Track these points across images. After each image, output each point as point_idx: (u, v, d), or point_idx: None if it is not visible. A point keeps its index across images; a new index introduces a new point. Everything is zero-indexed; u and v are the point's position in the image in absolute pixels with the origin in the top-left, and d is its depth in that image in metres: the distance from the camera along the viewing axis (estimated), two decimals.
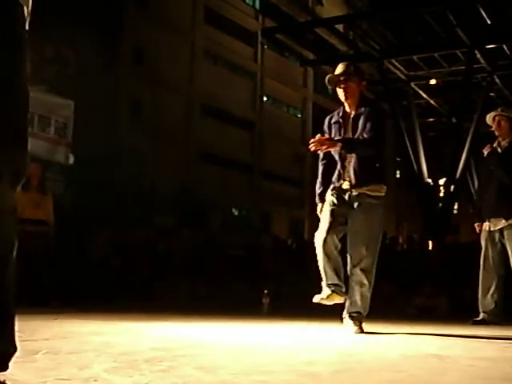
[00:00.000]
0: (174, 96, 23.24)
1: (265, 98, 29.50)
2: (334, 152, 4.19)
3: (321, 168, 4.37)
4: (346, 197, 4.15)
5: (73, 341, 3.17)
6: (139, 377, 1.94)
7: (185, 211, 19.36)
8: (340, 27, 18.87)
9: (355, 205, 4.10)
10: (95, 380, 1.85)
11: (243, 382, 1.94)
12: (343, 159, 4.16)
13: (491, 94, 18.62)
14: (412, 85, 19.56)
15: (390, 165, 24.35)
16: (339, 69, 4.24)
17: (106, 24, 20.07)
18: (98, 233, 10.15)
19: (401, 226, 26.95)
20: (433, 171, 19.86)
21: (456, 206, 22.21)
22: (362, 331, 4.01)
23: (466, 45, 16.12)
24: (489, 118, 5.63)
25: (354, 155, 4.11)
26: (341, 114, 4.27)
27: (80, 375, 1.93)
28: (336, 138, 4.11)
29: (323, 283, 4.15)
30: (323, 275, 4.14)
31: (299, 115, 31.87)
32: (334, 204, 4.16)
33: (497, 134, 5.59)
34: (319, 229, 4.19)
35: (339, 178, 4.19)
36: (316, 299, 4.12)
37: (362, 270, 4.05)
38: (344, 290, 4.13)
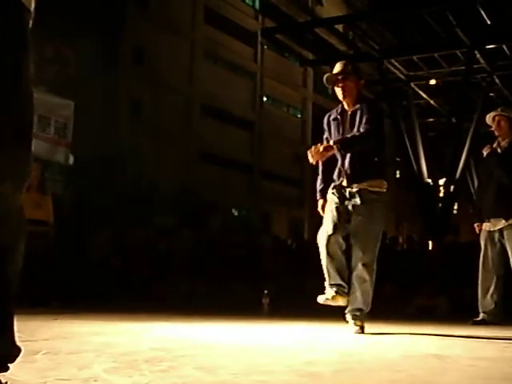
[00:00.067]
0: (174, 96, 23.24)
1: (265, 98, 29.51)
2: None
3: (321, 165, 4.38)
4: (347, 193, 4.15)
5: (73, 341, 3.17)
6: (139, 377, 1.94)
7: (185, 211, 19.36)
8: (340, 27, 18.87)
9: (356, 201, 4.10)
10: (95, 380, 1.85)
11: (243, 382, 1.94)
12: (343, 156, 4.17)
13: (491, 94, 18.63)
14: (412, 85, 19.56)
15: (390, 164, 24.38)
16: (337, 68, 4.25)
17: (106, 24, 20.07)
18: (98, 233, 10.16)
19: (401, 226, 26.94)
20: (433, 171, 19.86)
21: (456, 206, 22.22)
22: (362, 331, 4.00)
23: (465, 45, 16.12)
24: (488, 118, 5.63)
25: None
26: (339, 111, 4.29)
27: (80, 375, 1.94)
28: (331, 142, 4.10)
29: (326, 283, 4.15)
30: (326, 275, 4.14)
31: (299, 115, 31.88)
32: (336, 202, 4.17)
33: (496, 134, 5.58)
34: (322, 227, 4.19)
35: (339, 175, 4.19)
36: (320, 299, 4.11)
37: (362, 265, 4.04)
38: (347, 290, 4.12)
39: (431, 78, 19.25)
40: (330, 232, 4.11)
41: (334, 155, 4.22)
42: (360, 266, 4.05)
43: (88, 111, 14.75)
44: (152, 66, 22.54)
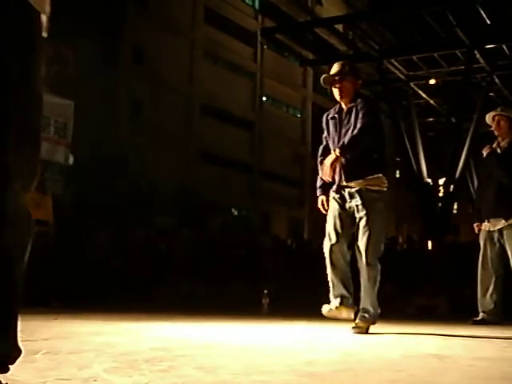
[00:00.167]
0: (174, 96, 23.25)
1: (264, 98, 29.51)
2: (331, 148, 4.22)
3: (320, 163, 4.37)
4: (347, 194, 4.15)
5: (73, 341, 3.17)
6: (139, 377, 1.94)
7: (185, 211, 19.38)
8: (339, 27, 18.86)
9: (356, 201, 4.10)
10: (95, 380, 1.85)
11: (243, 382, 1.94)
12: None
13: (491, 94, 18.62)
14: (411, 85, 19.56)
15: (390, 164, 24.36)
16: (334, 68, 4.25)
17: (106, 24, 20.09)
18: (98, 233, 10.15)
19: (400, 226, 26.94)
20: (432, 171, 19.86)
21: (455, 206, 22.21)
22: (365, 332, 3.97)
23: (465, 45, 16.12)
24: (488, 118, 5.63)
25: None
26: (337, 110, 4.30)
27: (80, 375, 1.94)
28: (333, 154, 4.02)
29: (330, 294, 4.13)
30: (330, 285, 4.13)
31: (299, 115, 31.89)
32: (338, 210, 4.16)
33: (496, 133, 5.58)
34: (326, 236, 4.18)
35: (338, 173, 4.18)
36: (324, 310, 4.08)
37: (367, 264, 4.03)
38: (351, 301, 4.08)
39: (431, 78, 19.24)
40: (333, 241, 4.12)
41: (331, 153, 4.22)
42: (364, 265, 4.04)
43: (88, 111, 14.76)
44: (152, 66, 22.55)
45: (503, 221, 5.36)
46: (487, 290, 5.43)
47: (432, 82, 19.43)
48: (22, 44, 1.30)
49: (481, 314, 5.45)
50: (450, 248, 11.67)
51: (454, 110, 18.42)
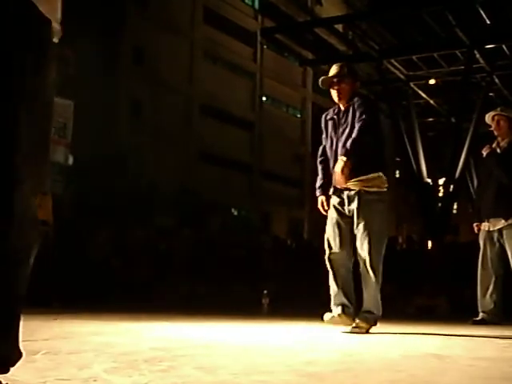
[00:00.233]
0: (174, 96, 23.26)
1: (264, 98, 29.51)
2: (329, 149, 4.22)
3: (320, 164, 4.38)
4: (345, 197, 4.14)
5: (73, 341, 3.17)
6: (139, 377, 1.94)
7: (185, 211, 19.38)
8: (339, 27, 18.86)
9: (355, 204, 4.09)
10: (95, 380, 1.85)
11: (243, 382, 1.94)
12: (336, 154, 4.16)
13: (490, 94, 18.62)
14: (411, 85, 19.55)
15: (390, 165, 24.36)
16: (333, 70, 4.26)
17: (106, 24, 20.09)
18: (98, 233, 10.15)
19: (400, 226, 26.95)
20: (432, 171, 19.86)
21: (455, 206, 22.21)
22: (360, 331, 3.97)
23: (465, 45, 16.12)
24: (488, 118, 5.63)
25: (341, 145, 4.10)
26: (336, 111, 4.30)
27: (80, 375, 1.94)
28: (340, 161, 3.99)
29: (332, 302, 4.12)
30: (331, 292, 4.13)
31: (298, 115, 31.90)
32: (336, 216, 4.15)
33: (496, 133, 5.58)
34: (326, 244, 4.18)
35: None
36: (326, 318, 4.06)
37: (369, 267, 4.01)
38: (352, 310, 4.07)
39: (431, 78, 19.24)
40: (332, 250, 4.12)
41: (332, 154, 4.22)
42: (366, 268, 4.03)
43: (88, 111, 14.76)
44: (152, 65, 22.55)
45: (503, 221, 5.36)
46: (487, 290, 5.43)
47: (432, 81, 19.43)
48: (32, 50, 1.31)
49: (481, 314, 5.45)
50: (450, 248, 11.68)
51: (454, 110, 18.41)
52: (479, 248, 5.58)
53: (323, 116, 4.42)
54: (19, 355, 1.37)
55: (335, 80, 4.22)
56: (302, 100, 31.69)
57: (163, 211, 18.82)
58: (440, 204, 18.00)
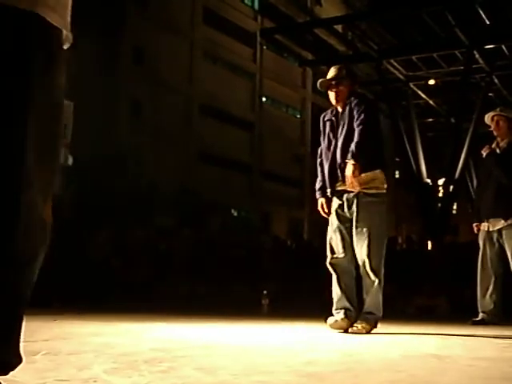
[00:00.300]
0: (174, 96, 23.27)
1: (264, 99, 29.51)
2: (327, 150, 4.23)
3: (319, 166, 4.38)
4: (345, 200, 4.14)
5: (72, 342, 3.17)
6: (139, 377, 1.94)
7: (185, 211, 19.38)
8: (339, 27, 18.87)
9: (354, 206, 4.09)
10: (95, 381, 1.85)
11: (243, 383, 1.94)
12: (334, 154, 4.16)
13: (490, 95, 18.62)
14: (411, 85, 19.56)
15: (390, 165, 24.35)
16: (331, 73, 4.27)
17: (106, 24, 20.09)
18: (98, 233, 10.15)
19: (400, 226, 26.95)
20: (432, 171, 19.86)
21: (455, 206, 22.21)
22: (361, 332, 3.96)
23: (464, 45, 16.12)
24: (487, 118, 5.63)
25: (340, 146, 4.10)
26: (334, 113, 4.31)
27: (79, 376, 1.94)
28: (350, 165, 3.97)
29: (334, 307, 4.13)
30: (334, 296, 4.14)
31: (298, 115, 31.90)
32: (337, 222, 4.16)
33: (495, 134, 5.58)
34: (328, 249, 4.18)
35: (337, 179, 4.17)
36: (330, 322, 4.05)
37: (370, 269, 4.02)
38: (354, 315, 4.07)
39: (430, 78, 19.25)
40: (335, 255, 4.13)
41: (329, 156, 4.22)
42: (366, 270, 4.04)
43: (88, 111, 14.76)
44: (152, 65, 22.56)
45: (502, 221, 5.36)
46: (487, 290, 5.43)
47: (431, 82, 19.43)
48: (42, 56, 1.32)
49: (480, 315, 5.46)
50: (450, 248, 11.68)
51: (454, 111, 18.42)
52: (479, 248, 5.58)
53: (321, 117, 4.43)
54: (19, 361, 1.36)
55: (333, 82, 4.23)
56: (302, 100, 31.69)
57: (163, 211, 18.82)
58: (440, 204, 18.00)
